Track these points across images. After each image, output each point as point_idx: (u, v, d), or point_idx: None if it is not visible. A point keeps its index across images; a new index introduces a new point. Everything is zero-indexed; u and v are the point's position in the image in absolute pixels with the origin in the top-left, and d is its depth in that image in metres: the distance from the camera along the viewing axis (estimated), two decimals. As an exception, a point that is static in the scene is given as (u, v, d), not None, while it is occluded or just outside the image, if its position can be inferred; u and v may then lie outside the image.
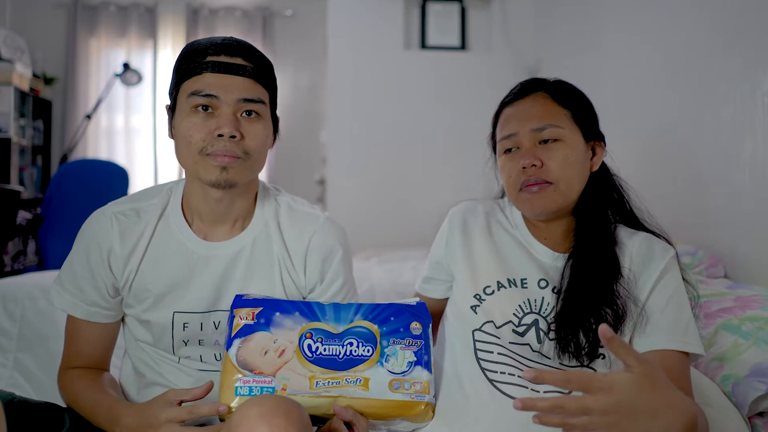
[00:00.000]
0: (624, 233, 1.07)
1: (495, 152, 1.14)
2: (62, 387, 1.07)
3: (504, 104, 1.11)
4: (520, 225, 1.12)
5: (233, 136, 0.94)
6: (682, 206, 1.90)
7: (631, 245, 1.04)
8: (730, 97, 1.71)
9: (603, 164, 1.11)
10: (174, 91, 0.99)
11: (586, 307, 0.98)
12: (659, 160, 2.06)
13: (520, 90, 1.09)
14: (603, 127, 1.11)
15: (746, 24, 1.66)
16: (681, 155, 1.95)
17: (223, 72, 0.95)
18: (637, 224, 1.10)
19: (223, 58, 0.96)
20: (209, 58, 0.95)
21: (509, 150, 1.07)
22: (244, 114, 0.96)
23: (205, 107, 0.95)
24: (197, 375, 1.05)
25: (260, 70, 0.98)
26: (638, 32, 2.26)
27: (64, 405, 1.06)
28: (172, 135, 1.00)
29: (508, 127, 1.07)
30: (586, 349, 0.96)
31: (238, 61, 0.96)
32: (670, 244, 1.07)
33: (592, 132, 1.07)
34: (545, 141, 1.03)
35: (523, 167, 1.03)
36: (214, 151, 0.94)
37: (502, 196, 1.20)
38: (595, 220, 1.05)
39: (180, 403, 0.92)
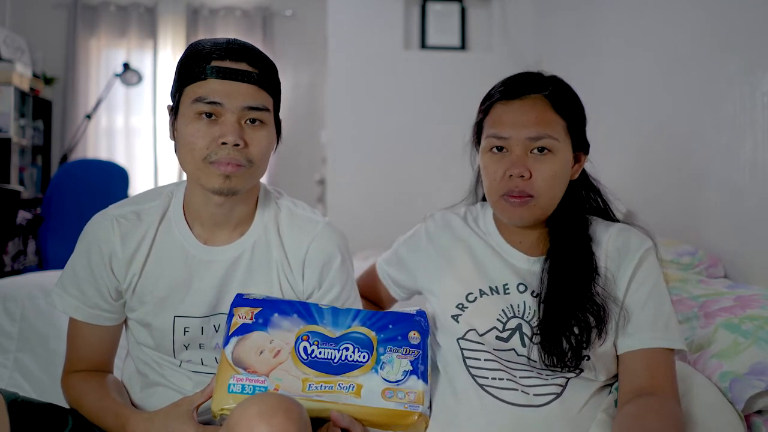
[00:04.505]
0: (600, 228, 1.05)
1: (478, 141, 1.09)
2: (66, 391, 1.07)
3: (497, 97, 1.05)
4: (492, 232, 1.10)
5: (237, 144, 0.93)
6: (682, 206, 1.90)
7: (606, 241, 1.03)
8: (730, 97, 1.71)
9: (583, 170, 1.09)
10: (177, 94, 0.98)
11: (567, 313, 0.97)
12: (659, 159, 2.07)
13: (518, 87, 1.03)
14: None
15: (746, 24, 1.66)
16: (681, 155, 1.95)
17: (227, 78, 0.93)
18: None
19: (227, 64, 0.94)
20: (214, 63, 0.93)
21: (496, 148, 1.02)
22: (247, 121, 0.95)
23: (209, 114, 0.94)
24: (198, 378, 1.05)
25: (265, 76, 0.97)
26: (638, 32, 2.26)
27: (66, 406, 1.06)
28: (173, 137, 1.00)
29: (500, 128, 1.01)
30: (569, 355, 0.96)
31: (243, 66, 0.94)
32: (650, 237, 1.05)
33: (580, 142, 1.05)
34: (537, 150, 0.99)
35: (510, 175, 0.99)
36: (218, 159, 0.93)
37: (475, 198, 1.18)
38: (571, 224, 1.04)
39: (197, 408, 0.93)
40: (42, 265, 3.30)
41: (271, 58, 1.02)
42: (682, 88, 1.95)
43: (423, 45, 3.36)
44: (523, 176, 0.99)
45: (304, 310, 0.96)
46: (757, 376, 1.08)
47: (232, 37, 0.99)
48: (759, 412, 1.09)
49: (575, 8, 2.84)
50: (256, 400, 0.80)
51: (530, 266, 1.05)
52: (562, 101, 1.02)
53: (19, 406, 0.94)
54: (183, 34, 4.47)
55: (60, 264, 1.10)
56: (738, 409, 1.05)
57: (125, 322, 1.10)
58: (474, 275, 1.06)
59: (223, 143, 0.93)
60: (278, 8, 4.54)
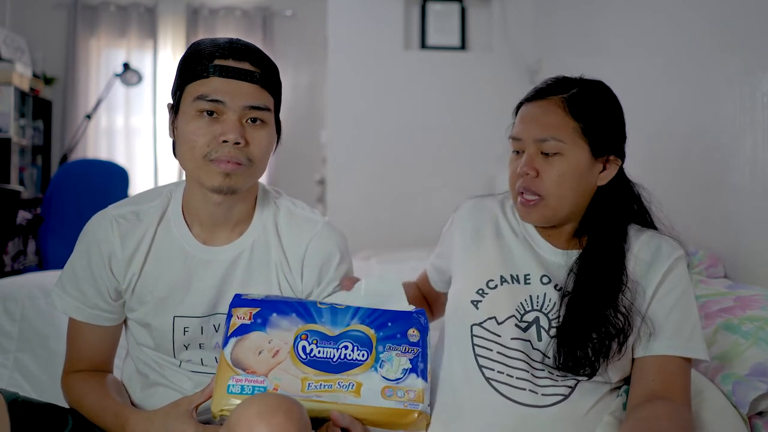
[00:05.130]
0: (631, 233, 1.05)
1: None
2: (66, 391, 1.07)
3: (523, 100, 1.08)
4: None
5: (238, 143, 0.93)
6: (682, 206, 1.90)
7: (637, 246, 1.03)
8: (730, 97, 1.71)
9: (621, 175, 1.08)
10: (178, 92, 0.98)
11: (590, 320, 0.96)
12: (658, 159, 2.06)
13: (542, 89, 1.05)
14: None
15: (746, 24, 1.66)
16: (681, 155, 1.95)
17: (230, 77, 0.93)
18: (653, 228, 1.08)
19: (230, 62, 0.94)
20: (217, 62, 0.94)
21: (515, 149, 1.06)
22: (248, 120, 0.95)
23: (210, 112, 0.94)
24: (198, 378, 1.05)
25: (267, 76, 0.97)
26: (638, 33, 2.26)
27: (66, 406, 1.06)
28: (173, 135, 1.00)
29: (517, 129, 1.05)
30: (585, 364, 0.95)
31: (246, 66, 0.95)
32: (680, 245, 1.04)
33: (605, 147, 1.03)
34: (546, 151, 1.01)
35: (519, 173, 1.03)
36: (218, 157, 0.93)
37: None
38: (607, 232, 1.03)
39: (196, 408, 0.93)
40: (42, 265, 3.30)
41: (271, 58, 1.02)
42: (682, 88, 1.95)
43: (423, 45, 3.36)
44: (529, 174, 1.01)
45: (302, 309, 0.95)
46: (759, 377, 1.08)
47: (235, 37, 0.99)
48: (760, 413, 1.09)
49: (575, 8, 2.84)
50: (256, 400, 0.80)
51: (557, 258, 1.05)
52: (581, 104, 1.02)
53: (19, 406, 0.94)
54: (183, 34, 4.47)
55: (60, 264, 1.10)
56: (743, 412, 1.05)
57: (125, 322, 1.10)
58: (497, 261, 1.07)
59: (224, 141, 0.93)
60: (278, 8, 4.54)
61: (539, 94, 1.05)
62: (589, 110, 1.02)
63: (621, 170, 1.07)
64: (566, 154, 1.00)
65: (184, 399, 0.94)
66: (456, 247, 1.14)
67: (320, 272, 1.06)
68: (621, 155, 1.06)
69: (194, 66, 0.95)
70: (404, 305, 1.00)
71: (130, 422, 0.96)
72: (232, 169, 0.94)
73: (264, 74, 0.97)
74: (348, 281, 1.06)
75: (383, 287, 1.01)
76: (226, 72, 0.93)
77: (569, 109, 1.01)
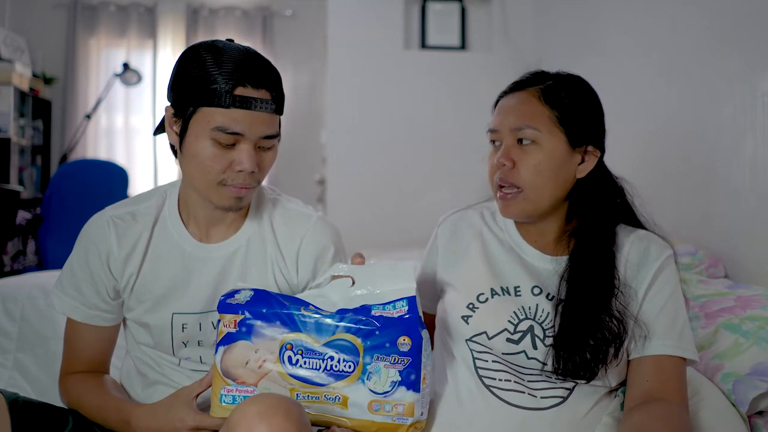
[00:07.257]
0: (621, 233, 1.04)
1: None
2: (64, 392, 1.07)
3: (501, 93, 1.08)
4: (508, 228, 1.09)
5: (252, 171, 0.95)
6: (683, 206, 1.90)
7: (627, 247, 1.02)
8: (730, 97, 1.71)
9: (603, 168, 1.06)
10: (188, 106, 0.93)
11: (585, 327, 0.95)
12: (659, 160, 2.07)
13: (519, 82, 1.05)
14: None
15: (746, 24, 1.66)
16: (681, 155, 1.95)
17: (249, 108, 0.92)
18: (639, 227, 1.07)
19: (249, 91, 0.92)
20: (237, 92, 0.91)
21: (492, 142, 1.06)
22: (260, 147, 0.96)
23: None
24: (197, 376, 1.05)
25: (278, 98, 0.97)
26: (638, 32, 2.26)
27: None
28: (176, 141, 0.97)
29: (493, 121, 1.05)
30: (583, 369, 0.94)
31: (263, 94, 0.93)
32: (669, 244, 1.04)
33: (582, 137, 1.01)
34: (523, 141, 1.00)
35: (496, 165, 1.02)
36: (233, 184, 0.95)
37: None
38: (595, 231, 1.02)
39: (196, 396, 0.94)
40: (42, 265, 3.30)
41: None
42: (682, 89, 1.95)
43: (423, 45, 3.36)
44: (505, 165, 1.00)
45: (286, 317, 0.91)
46: (759, 376, 1.08)
47: (245, 47, 0.95)
48: (760, 413, 1.09)
49: (575, 8, 2.84)
50: (255, 400, 0.80)
51: (546, 265, 1.03)
52: (556, 93, 1.01)
53: (19, 407, 0.94)
54: (183, 34, 4.47)
55: (60, 264, 1.10)
56: (743, 411, 1.05)
57: (123, 322, 1.10)
58: (486, 274, 1.05)
59: (239, 170, 0.94)
60: (278, 8, 4.54)
61: (516, 86, 1.05)
62: (565, 99, 1.01)
63: (602, 164, 1.06)
64: (542, 142, 0.99)
65: (184, 389, 0.95)
66: (440, 263, 1.12)
67: (315, 266, 1.06)
68: (600, 147, 1.05)
69: (211, 88, 0.91)
70: (410, 285, 0.94)
71: (133, 416, 0.96)
72: (244, 194, 0.96)
73: (276, 97, 0.96)
74: (359, 258, 1.02)
75: (391, 267, 0.97)
76: (247, 104, 0.92)
77: (544, 98, 1.01)
